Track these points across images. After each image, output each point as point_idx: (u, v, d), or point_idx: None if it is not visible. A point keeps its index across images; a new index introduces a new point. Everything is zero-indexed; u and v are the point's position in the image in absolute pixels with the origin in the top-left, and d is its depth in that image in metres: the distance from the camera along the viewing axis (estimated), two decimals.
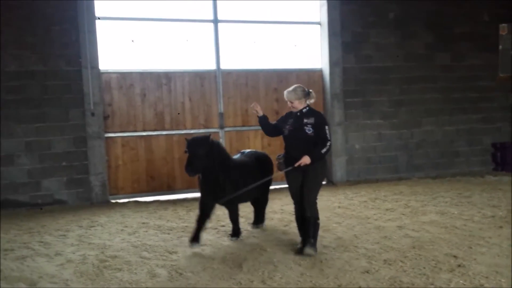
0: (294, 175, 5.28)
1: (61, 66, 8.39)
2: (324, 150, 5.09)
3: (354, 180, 10.01)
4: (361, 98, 10.07)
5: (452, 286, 4.24)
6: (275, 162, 5.70)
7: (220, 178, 5.53)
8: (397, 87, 10.28)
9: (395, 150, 10.36)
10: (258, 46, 9.79)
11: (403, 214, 7.01)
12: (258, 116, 5.49)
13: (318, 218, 5.30)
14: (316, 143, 5.13)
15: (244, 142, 9.60)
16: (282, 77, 9.80)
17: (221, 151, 5.70)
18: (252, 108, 5.50)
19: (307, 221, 5.24)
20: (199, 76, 9.38)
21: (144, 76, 9.08)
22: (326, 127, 5.17)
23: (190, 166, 5.31)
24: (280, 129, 5.40)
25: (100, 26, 8.73)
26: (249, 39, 9.73)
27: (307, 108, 5.29)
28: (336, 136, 9.87)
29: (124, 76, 8.97)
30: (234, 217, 5.94)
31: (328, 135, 5.15)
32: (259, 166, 6.11)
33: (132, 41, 9.04)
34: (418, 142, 10.50)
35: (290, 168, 5.20)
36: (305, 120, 5.18)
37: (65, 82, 8.42)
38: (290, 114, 5.38)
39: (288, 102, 5.28)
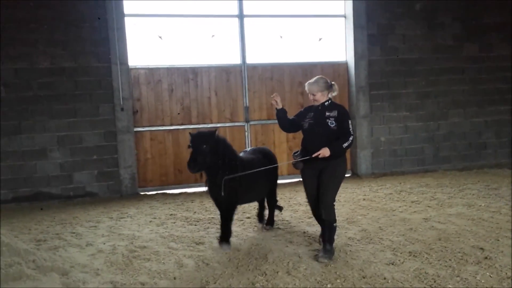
0: (310, 173, 4.94)
1: (91, 63, 8.53)
2: (345, 145, 4.71)
3: (380, 173, 9.91)
4: (387, 91, 9.92)
5: (478, 278, 4.18)
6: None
7: (220, 176, 5.04)
8: (423, 79, 10.08)
9: (422, 142, 10.18)
10: (283, 40, 9.75)
11: (429, 207, 6.91)
12: (276, 109, 5.08)
13: (335, 221, 4.91)
14: (338, 138, 4.78)
15: (269, 136, 9.60)
16: (307, 70, 9.74)
17: (227, 149, 5.20)
18: (272, 99, 5.08)
19: (323, 224, 4.94)
20: (225, 71, 9.41)
21: (171, 71, 9.16)
22: (349, 121, 4.83)
23: (194, 162, 4.86)
24: (298, 125, 5.06)
25: (129, 23, 8.84)
26: (274, 33, 9.68)
27: (329, 101, 4.95)
28: (361, 129, 9.78)
29: (152, 72, 9.07)
30: (227, 225, 5.31)
31: (351, 130, 4.78)
32: (267, 163, 5.64)
33: (160, 37, 9.12)
34: (445, 134, 10.30)
35: (306, 157, 4.81)
36: (327, 113, 4.84)
37: (95, 78, 8.56)
38: (310, 108, 5.05)
39: (310, 95, 4.94)
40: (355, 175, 9.87)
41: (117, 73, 8.61)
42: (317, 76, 5.01)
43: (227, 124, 9.36)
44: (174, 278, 4.43)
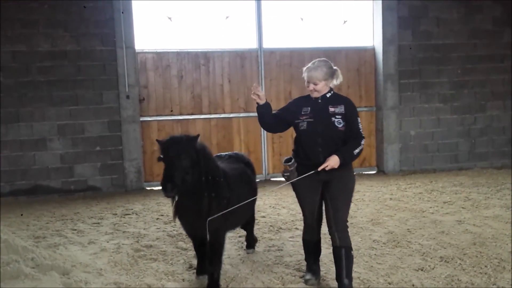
0: (310, 187, 4.17)
1: (95, 46, 8.59)
2: (357, 151, 4.02)
3: (409, 170, 9.84)
4: (418, 79, 9.84)
5: None
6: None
7: (206, 199, 3.99)
8: (459, 67, 9.97)
9: (456, 137, 10.09)
10: (303, 22, 9.70)
11: (463, 208, 6.86)
12: (257, 104, 4.16)
13: (351, 248, 4.13)
14: (345, 141, 4.09)
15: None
16: (330, 56, 9.58)
17: (209, 161, 4.12)
18: (253, 94, 4.12)
19: (337, 252, 4.09)
20: (240, 56, 9.41)
21: (181, 56, 9.19)
22: (359, 119, 4.14)
23: (171, 182, 3.72)
24: (286, 123, 4.34)
25: (136, 3, 8.86)
26: (294, 15, 9.64)
27: (332, 92, 4.19)
28: (389, 122, 9.72)
29: (160, 56, 9.11)
30: (217, 260, 4.20)
31: (361, 130, 4.11)
32: (250, 175, 4.93)
33: (169, 18, 9.14)
34: (482, 128, 10.19)
35: (310, 173, 4.02)
36: (331, 109, 4.09)
37: (99, 62, 8.62)
38: (303, 101, 4.26)
39: (310, 85, 4.12)
40: (381, 172, 9.83)
41: (123, 58, 8.66)
42: (318, 59, 4.20)
43: (241, 115, 9.38)
44: (183, 280, 4.47)
